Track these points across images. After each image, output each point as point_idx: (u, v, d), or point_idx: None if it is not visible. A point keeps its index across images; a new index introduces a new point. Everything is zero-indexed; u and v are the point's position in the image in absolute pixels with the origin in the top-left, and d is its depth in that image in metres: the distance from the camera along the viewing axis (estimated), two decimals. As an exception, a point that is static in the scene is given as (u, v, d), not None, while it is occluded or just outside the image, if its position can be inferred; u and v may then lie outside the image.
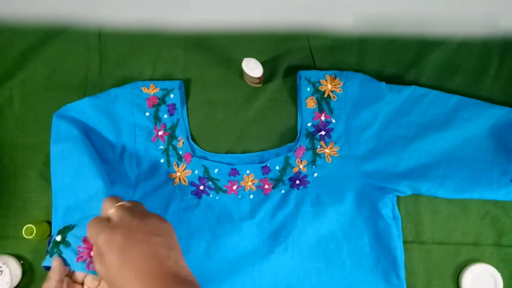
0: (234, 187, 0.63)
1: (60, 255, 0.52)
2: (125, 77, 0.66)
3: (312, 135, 0.63)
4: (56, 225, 0.57)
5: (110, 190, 0.56)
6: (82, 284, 0.52)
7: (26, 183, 0.64)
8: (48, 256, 0.52)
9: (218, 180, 0.63)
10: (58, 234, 0.54)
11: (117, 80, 0.66)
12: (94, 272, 0.50)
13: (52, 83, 0.66)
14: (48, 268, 0.52)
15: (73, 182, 0.57)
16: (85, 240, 0.52)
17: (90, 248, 0.51)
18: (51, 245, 0.53)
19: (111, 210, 0.46)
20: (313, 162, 0.63)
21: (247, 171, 0.63)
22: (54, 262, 0.51)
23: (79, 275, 0.52)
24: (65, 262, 0.51)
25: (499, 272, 0.61)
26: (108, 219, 0.45)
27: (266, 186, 0.63)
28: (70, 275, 0.52)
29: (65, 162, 0.58)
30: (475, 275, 0.61)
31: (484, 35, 0.62)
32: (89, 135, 0.62)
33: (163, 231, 0.45)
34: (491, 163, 0.61)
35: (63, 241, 0.53)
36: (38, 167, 0.64)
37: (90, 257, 0.50)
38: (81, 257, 0.51)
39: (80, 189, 0.56)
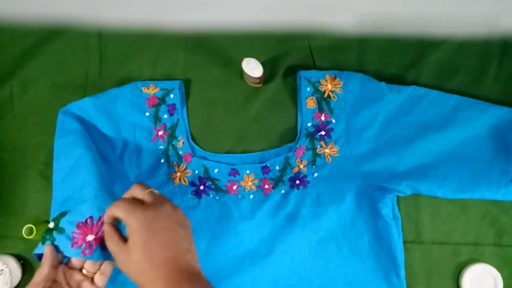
0: (234, 187, 0.63)
1: (53, 242, 0.51)
2: (124, 77, 0.66)
3: (312, 135, 0.63)
4: (53, 216, 0.56)
5: (105, 178, 0.56)
6: (80, 269, 0.51)
7: (26, 183, 0.64)
8: (40, 244, 0.51)
9: (218, 180, 0.63)
10: (51, 221, 0.53)
11: (117, 80, 0.66)
12: (90, 257, 0.50)
13: (52, 82, 0.66)
14: (39, 256, 0.51)
15: (70, 172, 0.57)
16: (79, 225, 0.51)
17: (84, 234, 0.50)
18: (45, 233, 0.52)
19: (143, 194, 0.46)
20: (313, 162, 0.63)
21: (247, 171, 0.63)
22: (45, 249, 0.49)
23: (76, 261, 0.51)
24: (57, 249, 0.50)
25: (499, 272, 0.61)
26: (140, 201, 0.45)
27: (266, 186, 0.63)
28: (66, 262, 0.51)
29: (65, 155, 0.58)
30: (475, 275, 0.61)
31: (484, 35, 0.62)
32: (90, 134, 0.62)
33: (187, 225, 0.46)
34: (491, 163, 0.61)
35: (57, 227, 0.52)
36: (38, 167, 0.64)
37: (86, 242, 0.50)
38: (76, 242, 0.50)
39: (75, 178, 0.56)
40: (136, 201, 0.46)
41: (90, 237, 0.50)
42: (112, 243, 0.45)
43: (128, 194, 0.48)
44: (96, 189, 0.54)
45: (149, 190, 0.47)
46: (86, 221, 0.51)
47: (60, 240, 0.51)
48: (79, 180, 0.56)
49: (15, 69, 0.66)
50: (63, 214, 0.53)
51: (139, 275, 0.42)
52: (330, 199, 0.61)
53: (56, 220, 0.53)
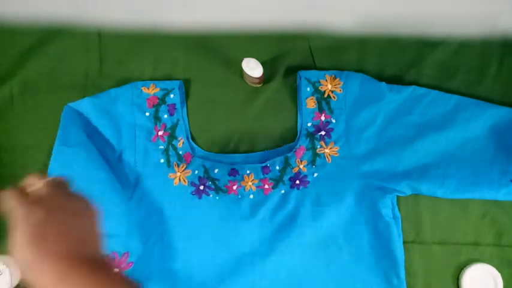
0: (234, 187, 0.63)
1: None
2: (124, 77, 0.66)
3: (312, 135, 0.63)
4: None
5: (132, 215, 0.58)
6: None
7: (26, 183, 0.64)
8: None
9: (218, 180, 0.63)
10: None
11: (117, 80, 0.66)
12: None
13: (52, 83, 0.66)
14: None
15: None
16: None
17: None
18: None
19: (36, 185, 0.41)
20: (313, 162, 0.63)
21: (247, 171, 0.63)
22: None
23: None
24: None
25: (499, 272, 0.61)
26: (27, 194, 0.41)
27: (266, 186, 0.63)
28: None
29: (75, 170, 0.59)
30: (475, 275, 0.61)
31: (484, 35, 0.62)
32: (90, 135, 0.62)
33: (86, 215, 0.42)
34: (491, 163, 0.61)
35: None
36: (38, 167, 0.64)
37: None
38: None
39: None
40: (24, 194, 0.40)
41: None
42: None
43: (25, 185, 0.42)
44: (127, 227, 0.58)
45: (44, 180, 0.42)
46: (111, 255, 0.57)
47: None
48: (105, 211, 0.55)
49: (15, 69, 0.66)
50: None
51: (33, 275, 0.37)
52: (330, 199, 0.61)
53: None
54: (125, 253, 0.58)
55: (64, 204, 0.41)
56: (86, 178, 0.58)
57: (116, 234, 0.58)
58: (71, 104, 0.63)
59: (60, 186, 0.43)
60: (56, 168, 0.59)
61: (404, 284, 0.60)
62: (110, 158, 0.62)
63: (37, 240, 0.38)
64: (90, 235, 0.41)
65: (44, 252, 0.38)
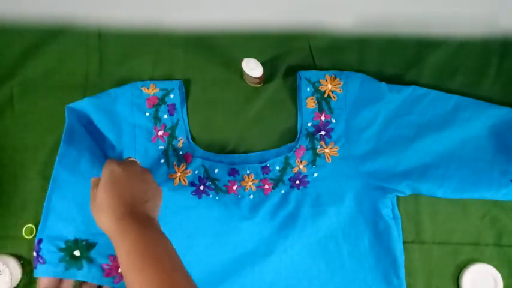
0: (234, 187, 0.63)
1: (79, 269, 0.56)
2: (124, 77, 0.66)
3: (312, 135, 0.63)
4: (48, 227, 0.58)
5: None
6: None
7: (26, 183, 0.64)
8: (63, 267, 0.56)
9: (218, 180, 0.63)
10: (74, 248, 0.57)
11: (117, 80, 0.66)
12: (118, 286, 0.57)
13: (52, 83, 0.66)
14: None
15: (86, 192, 0.56)
16: (111, 258, 0.58)
17: (116, 266, 0.57)
18: (65, 257, 0.56)
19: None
20: (313, 162, 0.63)
21: (247, 171, 0.63)
22: (42, 281, 0.55)
23: (67, 282, 0.57)
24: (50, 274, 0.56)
25: (499, 272, 0.61)
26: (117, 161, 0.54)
27: (266, 186, 0.63)
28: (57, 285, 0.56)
29: (75, 168, 0.59)
30: (475, 275, 0.61)
31: (484, 35, 0.62)
32: (90, 135, 0.62)
33: (150, 183, 0.54)
34: (491, 163, 0.61)
35: (85, 257, 0.57)
36: (38, 167, 0.64)
37: (118, 273, 0.57)
38: (109, 273, 0.57)
39: None
40: (114, 160, 0.54)
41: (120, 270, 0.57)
42: (92, 188, 0.53)
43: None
44: None
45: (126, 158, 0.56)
46: (111, 257, 0.58)
47: (90, 269, 0.57)
48: None
49: (15, 69, 0.66)
50: (91, 245, 0.58)
51: (98, 213, 0.49)
52: (330, 199, 0.61)
53: (82, 250, 0.57)
54: None
55: (138, 172, 0.53)
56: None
57: None
58: (71, 105, 0.63)
59: (134, 161, 0.57)
60: (61, 169, 0.59)
61: (404, 284, 0.60)
62: (109, 157, 0.62)
63: (115, 190, 0.49)
64: (147, 198, 0.51)
65: (115, 200, 0.49)
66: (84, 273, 0.56)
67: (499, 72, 0.65)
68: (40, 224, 0.58)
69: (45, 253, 0.56)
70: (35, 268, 0.56)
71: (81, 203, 0.58)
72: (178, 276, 0.45)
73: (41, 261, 0.56)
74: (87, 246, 0.57)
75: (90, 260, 0.57)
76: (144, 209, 0.50)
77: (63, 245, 0.57)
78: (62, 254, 0.56)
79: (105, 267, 0.57)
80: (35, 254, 0.57)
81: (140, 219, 0.49)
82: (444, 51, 0.66)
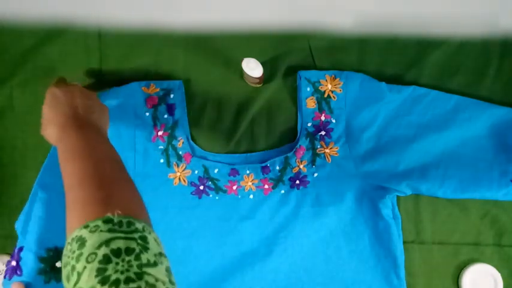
0: (234, 187, 0.63)
1: (59, 283, 0.55)
2: (125, 77, 0.66)
3: (312, 135, 0.63)
4: (30, 233, 0.57)
5: None
6: None
7: (26, 183, 0.64)
8: (42, 280, 0.55)
9: (218, 180, 0.63)
10: (56, 259, 0.56)
11: (117, 80, 0.66)
12: None
13: (52, 83, 0.66)
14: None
15: None
16: None
17: None
18: (45, 268, 0.55)
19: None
20: (313, 162, 0.63)
21: (247, 171, 0.63)
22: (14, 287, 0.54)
23: None
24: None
25: (499, 272, 0.61)
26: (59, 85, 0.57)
27: (266, 186, 0.63)
28: None
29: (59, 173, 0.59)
30: (475, 275, 0.61)
31: (484, 35, 0.62)
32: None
33: (87, 94, 0.56)
34: (491, 163, 0.61)
35: None
36: (38, 167, 0.64)
37: None
38: None
39: None
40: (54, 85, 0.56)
41: None
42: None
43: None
44: None
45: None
46: None
47: None
48: None
49: (15, 69, 0.66)
50: None
51: (45, 128, 0.53)
52: (330, 199, 0.61)
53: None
54: None
55: (79, 89, 0.56)
56: None
57: None
58: None
59: (77, 85, 0.58)
60: (51, 166, 0.59)
61: (404, 284, 0.60)
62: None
63: (54, 100, 0.54)
64: (92, 109, 0.54)
65: (55, 107, 0.53)
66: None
67: (499, 72, 0.65)
68: (21, 230, 0.57)
69: (24, 264, 0.55)
70: (10, 279, 0.54)
71: (63, 210, 0.58)
72: (106, 165, 0.46)
73: (19, 273, 0.55)
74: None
75: None
76: (89, 117, 0.52)
77: (44, 254, 0.56)
78: (42, 265, 0.55)
79: None
80: (14, 263, 0.55)
81: (81, 123, 0.51)
82: (444, 51, 0.66)
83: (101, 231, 0.37)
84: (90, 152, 0.46)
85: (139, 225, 0.38)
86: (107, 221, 0.37)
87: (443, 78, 0.65)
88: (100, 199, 0.40)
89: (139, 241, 0.37)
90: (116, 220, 0.38)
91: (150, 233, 0.39)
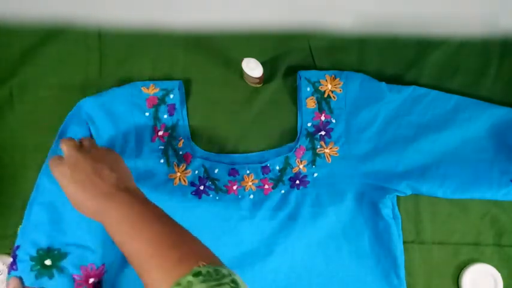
0: (234, 187, 0.63)
1: (50, 278, 0.57)
2: (124, 77, 0.66)
3: (312, 135, 0.63)
4: (26, 234, 0.58)
5: None
6: None
7: (26, 183, 0.64)
8: (33, 276, 0.57)
9: (218, 180, 0.63)
10: (45, 257, 0.57)
11: (117, 80, 0.66)
12: None
13: (52, 82, 0.66)
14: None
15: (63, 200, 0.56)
16: (83, 269, 0.58)
17: (87, 277, 0.58)
18: (35, 266, 0.57)
19: (63, 149, 0.53)
20: (313, 162, 0.63)
21: (247, 171, 0.63)
22: (12, 281, 0.55)
23: None
24: (22, 282, 0.56)
25: (499, 272, 0.61)
26: (60, 158, 0.52)
27: (266, 186, 0.63)
28: None
29: None
30: (475, 275, 0.61)
31: (484, 35, 0.62)
32: (90, 134, 0.62)
33: (108, 159, 0.53)
34: (491, 163, 0.61)
35: (57, 267, 0.57)
36: (38, 167, 0.64)
37: (88, 284, 0.58)
38: (80, 284, 0.57)
39: (80, 220, 0.58)
40: (58, 159, 0.52)
41: (91, 280, 0.58)
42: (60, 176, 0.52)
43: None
44: (103, 242, 0.59)
45: (79, 140, 0.55)
46: (89, 266, 0.58)
47: (61, 279, 0.57)
48: (84, 224, 0.59)
49: (15, 69, 0.66)
50: (63, 255, 0.58)
51: (75, 201, 0.50)
52: (330, 199, 0.61)
53: (54, 259, 0.58)
54: (101, 265, 0.59)
55: (85, 156, 0.51)
56: None
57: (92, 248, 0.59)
58: (73, 110, 0.63)
59: (83, 145, 0.54)
60: (43, 176, 0.60)
61: (404, 284, 0.60)
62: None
63: (75, 184, 0.49)
64: (112, 171, 0.51)
65: (80, 189, 0.49)
66: (55, 282, 0.57)
67: (499, 72, 0.66)
68: (20, 230, 0.59)
69: (19, 260, 0.57)
70: (8, 274, 0.57)
71: (57, 212, 0.59)
72: (169, 223, 0.47)
73: (15, 268, 0.57)
74: (59, 255, 0.58)
75: (61, 270, 0.57)
76: (113, 182, 0.50)
77: (34, 254, 0.57)
78: (33, 262, 0.57)
79: (76, 278, 0.57)
80: (11, 259, 0.58)
81: (123, 186, 0.50)
82: (444, 51, 0.66)
83: (194, 284, 0.38)
84: (161, 216, 0.47)
85: (225, 271, 0.41)
86: (197, 274, 0.39)
87: (443, 78, 0.65)
88: (180, 257, 0.42)
89: (232, 284, 0.39)
90: (204, 271, 0.39)
91: (235, 275, 0.41)
